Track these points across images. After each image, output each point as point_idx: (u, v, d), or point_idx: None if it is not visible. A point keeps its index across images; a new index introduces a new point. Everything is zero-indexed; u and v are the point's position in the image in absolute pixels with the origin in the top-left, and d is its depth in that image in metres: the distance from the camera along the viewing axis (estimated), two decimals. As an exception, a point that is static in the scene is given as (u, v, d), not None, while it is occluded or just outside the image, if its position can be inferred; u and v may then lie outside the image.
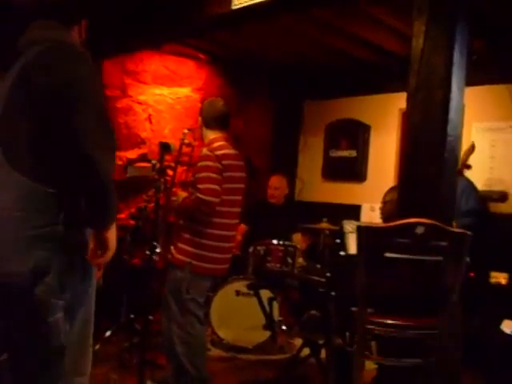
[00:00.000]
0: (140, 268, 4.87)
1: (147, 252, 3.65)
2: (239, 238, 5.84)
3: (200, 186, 3.67)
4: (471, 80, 3.62)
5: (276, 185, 6.04)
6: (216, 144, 3.87)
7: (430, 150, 3.39)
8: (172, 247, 3.83)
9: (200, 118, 4.05)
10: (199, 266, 3.75)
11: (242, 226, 5.94)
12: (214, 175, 3.71)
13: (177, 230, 3.83)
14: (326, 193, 7.22)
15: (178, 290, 3.72)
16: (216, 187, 3.69)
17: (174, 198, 3.77)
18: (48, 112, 2.13)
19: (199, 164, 3.76)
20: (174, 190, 3.61)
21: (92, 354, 4.31)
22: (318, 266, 4.62)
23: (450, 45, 3.33)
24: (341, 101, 7.23)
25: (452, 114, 3.33)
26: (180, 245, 3.77)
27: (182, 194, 3.86)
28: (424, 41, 3.42)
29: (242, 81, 7.28)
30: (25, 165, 2.13)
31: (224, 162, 3.79)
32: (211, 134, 3.95)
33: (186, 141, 3.98)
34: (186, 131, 4.01)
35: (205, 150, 3.81)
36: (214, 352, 4.93)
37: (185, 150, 4.02)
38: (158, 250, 3.00)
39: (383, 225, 2.99)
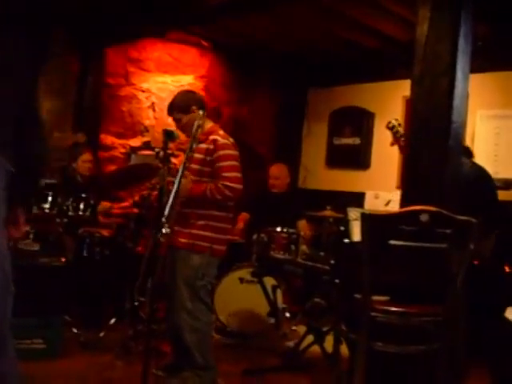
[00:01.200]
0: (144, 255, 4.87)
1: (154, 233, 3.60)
2: (241, 225, 5.85)
3: (227, 175, 3.71)
4: (476, 67, 3.61)
5: (276, 174, 6.02)
6: (222, 132, 3.89)
7: (435, 138, 3.38)
8: (183, 234, 3.81)
9: (183, 116, 3.96)
10: (219, 249, 3.81)
11: (245, 214, 5.94)
12: (236, 163, 3.79)
13: (185, 218, 3.81)
14: (329, 180, 7.21)
15: (192, 277, 3.73)
16: (240, 175, 3.77)
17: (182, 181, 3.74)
18: None
19: (221, 153, 3.76)
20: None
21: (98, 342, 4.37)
22: (322, 253, 4.63)
23: (454, 31, 3.32)
24: (345, 88, 7.21)
25: (457, 101, 3.33)
26: (196, 231, 3.77)
27: (189, 178, 3.82)
28: (428, 28, 3.40)
29: (245, 68, 7.26)
30: None
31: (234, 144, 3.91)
32: (207, 123, 3.92)
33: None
34: (194, 107, 3.93)
35: (220, 139, 3.81)
36: (218, 339, 4.94)
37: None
38: (165, 231, 2.98)
39: (387, 212, 2.99)
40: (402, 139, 4.00)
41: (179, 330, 3.73)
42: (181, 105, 4.02)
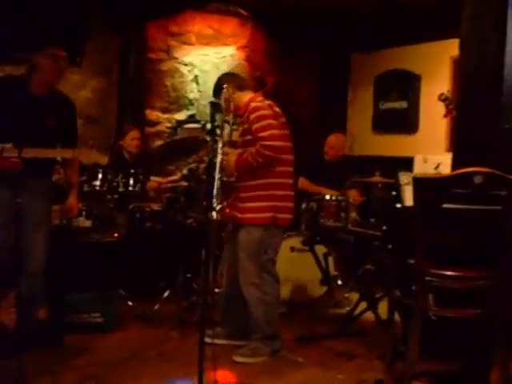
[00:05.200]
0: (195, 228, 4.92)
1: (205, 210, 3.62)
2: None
3: (262, 135, 3.69)
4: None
5: (331, 144, 5.96)
6: (260, 98, 3.91)
7: (486, 97, 3.29)
8: (241, 209, 3.84)
9: (228, 87, 3.91)
10: (283, 217, 3.83)
11: (303, 179, 5.90)
12: (272, 121, 3.76)
13: (241, 191, 3.83)
14: (377, 146, 7.11)
15: (256, 252, 3.76)
16: (277, 132, 3.75)
17: (224, 157, 3.74)
18: None
19: (252, 116, 3.76)
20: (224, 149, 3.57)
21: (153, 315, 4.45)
22: (372, 220, 4.58)
23: (504, -15, 3.20)
24: (389, 51, 7.05)
25: (508, 59, 3.21)
26: (256, 204, 3.79)
27: (234, 152, 3.83)
28: (476, -18, 3.29)
29: (286, 36, 7.16)
30: None
31: (275, 109, 3.89)
32: (245, 96, 3.90)
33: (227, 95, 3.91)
34: (225, 85, 3.92)
35: (253, 104, 3.80)
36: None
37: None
38: (218, 208, 3.02)
39: (440, 175, 2.93)
40: (455, 111, 3.94)
41: (248, 303, 3.77)
42: (214, 91, 4.05)
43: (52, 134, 3.51)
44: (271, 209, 3.78)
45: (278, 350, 3.89)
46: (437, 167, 4.36)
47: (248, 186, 3.82)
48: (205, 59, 6.76)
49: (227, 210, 3.85)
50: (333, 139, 5.99)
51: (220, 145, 3.24)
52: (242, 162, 3.77)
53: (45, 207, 3.70)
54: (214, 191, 3.08)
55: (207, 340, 3.02)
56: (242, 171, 3.79)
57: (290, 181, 3.93)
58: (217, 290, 4.25)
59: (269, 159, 3.73)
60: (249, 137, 3.81)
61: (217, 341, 3.88)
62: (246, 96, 3.92)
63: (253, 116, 3.76)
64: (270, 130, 3.71)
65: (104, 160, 4.26)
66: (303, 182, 5.82)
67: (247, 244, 3.79)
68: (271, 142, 3.69)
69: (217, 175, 3.13)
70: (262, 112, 3.77)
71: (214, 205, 3.05)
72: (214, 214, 3.04)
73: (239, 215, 3.82)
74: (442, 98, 4.03)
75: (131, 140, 5.45)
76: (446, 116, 4.09)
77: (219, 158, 3.20)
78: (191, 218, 4.98)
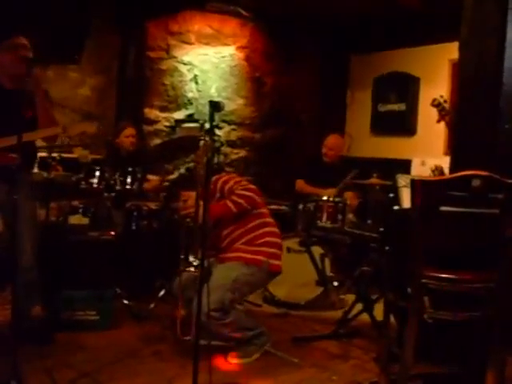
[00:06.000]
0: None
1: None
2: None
3: (238, 185, 3.87)
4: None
5: (330, 145, 5.96)
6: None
7: (484, 101, 3.29)
8: (235, 249, 3.88)
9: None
10: (275, 264, 3.89)
11: (301, 181, 5.90)
12: (240, 178, 4.04)
13: (233, 241, 3.90)
14: (375, 148, 7.13)
15: (225, 286, 3.69)
16: (247, 182, 3.96)
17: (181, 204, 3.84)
18: None
19: (221, 181, 3.95)
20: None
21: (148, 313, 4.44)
22: (369, 221, 4.59)
23: (504, -11, 3.20)
24: (388, 53, 7.08)
25: (507, 62, 3.22)
26: (248, 247, 3.85)
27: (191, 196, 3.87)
28: (476, -14, 3.29)
29: (286, 36, 7.18)
30: None
31: None
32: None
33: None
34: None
35: (222, 179, 3.98)
36: (267, 309, 4.98)
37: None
38: (195, 263, 3.10)
39: (438, 178, 2.93)
40: (448, 116, 3.96)
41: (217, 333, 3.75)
42: None
43: (30, 123, 3.49)
44: (265, 254, 3.83)
45: (266, 341, 3.87)
46: (434, 170, 4.38)
47: (239, 234, 3.89)
48: (204, 59, 6.76)
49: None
50: (331, 141, 6.00)
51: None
52: (220, 207, 3.81)
53: (31, 201, 3.70)
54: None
55: (202, 342, 3.02)
56: (218, 216, 3.82)
57: (277, 230, 4.01)
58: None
59: (249, 200, 3.82)
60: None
61: (212, 342, 3.90)
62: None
63: (222, 180, 3.95)
64: (244, 181, 3.93)
65: (91, 128, 4.19)
66: (300, 184, 5.84)
67: (222, 278, 3.73)
68: (249, 186, 3.87)
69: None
70: (227, 176, 4.03)
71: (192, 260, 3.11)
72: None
73: (230, 255, 3.86)
74: (435, 104, 4.04)
75: (125, 137, 5.42)
76: (438, 121, 4.11)
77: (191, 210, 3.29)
78: (188, 217, 4.96)
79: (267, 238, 3.89)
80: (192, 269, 3.31)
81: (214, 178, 3.91)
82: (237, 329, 3.77)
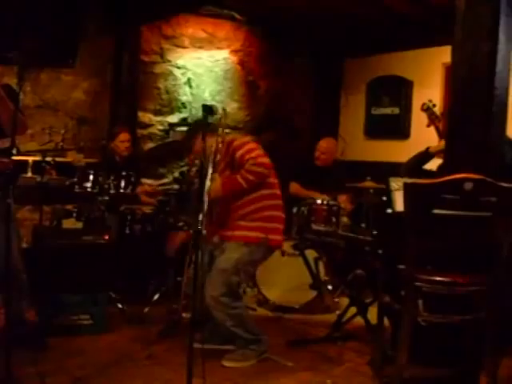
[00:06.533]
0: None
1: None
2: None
3: (250, 155, 3.75)
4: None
5: (323, 150, 5.97)
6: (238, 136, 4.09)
7: (477, 105, 3.30)
8: (232, 227, 3.85)
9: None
10: (274, 239, 3.87)
11: (295, 184, 5.90)
12: (254, 145, 3.86)
13: (229, 212, 3.85)
14: (368, 151, 7.14)
15: (229, 270, 3.76)
16: (262, 152, 3.83)
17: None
18: None
19: (235, 144, 3.83)
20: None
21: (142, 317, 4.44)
22: (363, 225, 4.59)
23: (496, -7, 3.21)
24: (382, 57, 7.09)
25: (499, 66, 3.23)
26: (246, 223, 3.82)
27: (217, 176, 3.80)
28: (468, -10, 3.30)
29: (280, 40, 7.19)
30: None
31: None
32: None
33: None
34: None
35: (237, 141, 3.88)
36: (261, 312, 4.98)
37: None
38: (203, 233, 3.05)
39: (430, 181, 2.94)
40: (438, 120, 3.97)
41: (218, 320, 3.77)
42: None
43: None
44: (263, 229, 3.81)
45: (264, 350, 3.89)
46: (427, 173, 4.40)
47: (239, 205, 3.84)
48: (198, 62, 6.76)
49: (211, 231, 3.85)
50: (324, 144, 6.01)
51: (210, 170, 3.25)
52: (232, 185, 3.78)
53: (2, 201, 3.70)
54: (200, 216, 3.07)
55: (196, 345, 3.02)
56: (229, 192, 3.80)
57: (280, 202, 3.97)
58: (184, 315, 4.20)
59: (260, 176, 3.77)
60: (227, 172, 3.85)
61: (206, 345, 3.90)
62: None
63: (235, 144, 3.84)
64: (256, 151, 3.79)
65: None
66: (294, 187, 5.84)
67: (224, 261, 3.80)
68: (261, 159, 3.75)
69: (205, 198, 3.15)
70: (243, 140, 3.92)
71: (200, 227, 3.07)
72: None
73: (229, 233, 3.84)
74: (424, 108, 4.06)
75: (121, 142, 5.41)
76: (428, 126, 4.12)
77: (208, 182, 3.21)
78: (182, 221, 4.97)
79: (266, 212, 3.85)
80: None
81: (227, 139, 3.81)
82: (239, 325, 3.79)
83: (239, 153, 3.79)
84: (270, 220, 3.86)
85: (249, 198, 3.84)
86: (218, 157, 3.44)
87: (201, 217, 3.03)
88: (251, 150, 3.79)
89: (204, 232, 3.05)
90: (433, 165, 4.11)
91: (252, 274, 4.20)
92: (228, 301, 3.74)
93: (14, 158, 3.66)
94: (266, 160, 3.78)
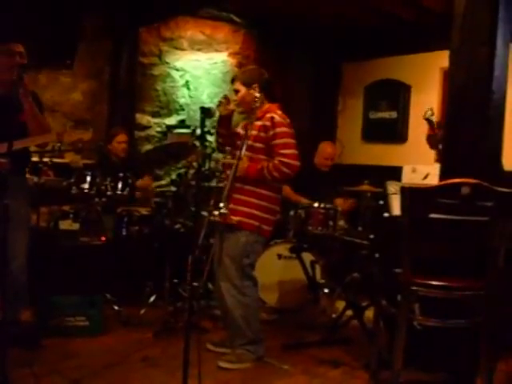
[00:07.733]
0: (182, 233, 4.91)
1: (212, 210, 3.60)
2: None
3: (284, 152, 3.74)
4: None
5: (327, 155, 5.93)
6: (279, 112, 3.91)
7: (474, 109, 3.31)
8: (233, 212, 3.83)
9: (243, 89, 3.92)
10: (266, 229, 3.86)
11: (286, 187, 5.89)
12: (293, 141, 3.82)
13: (236, 195, 3.83)
14: (366, 155, 7.15)
15: (239, 255, 3.79)
16: (296, 152, 3.79)
17: (233, 161, 3.71)
18: None
19: (277, 130, 3.78)
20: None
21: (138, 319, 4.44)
22: (360, 228, 4.59)
23: (494, -1, 3.22)
24: (380, 61, 7.10)
25: (497, 71, 3.24)
26: (247, 209, 3.81)
27: (245, 158, 3.80)
28: (467, -5, 3.31)
29: (278, 44, 7.20)
30: None
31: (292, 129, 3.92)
32: (266, 102, 3.91)
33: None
34: (223, 100, 3.92)
35: (277, 117, 3.82)
36: (257, 315, 4.97)
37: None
38: (223, 211, 3.03)
39: (427, 185, 2.94)
40: (438, 130, 4.01)
41: (228, 307, 3.78)
42: (245, 78, 4.01)
43: (18, 129, 3.47)
44: (258, 218, 3.81)
45: (262, 355, 3.89)
46: (425, 177, 4.40)
47: (243, 191, 3.82)
48: (196, 65, 6.77)
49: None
50: (329, 150, 5.96)
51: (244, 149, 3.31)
52: (255, 172, 3.77)
53: (25, 206, 3.68)
54: (225, 192, 3.11)
55: (209, 347, 3.04)
56: (252, 177, 3.80)
57: (279, 196, 3.97)
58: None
59: (284, 176, 3.77)
60: (260, 145, 3.82)
61: (219, 349, 3.92)
62: (266, 103, 3.92)
63: (278, 130, 3.78)
64: (291, 149, 3.77)
65: (87, 135, 4.10)
66: (286, 190, 5.83)
67: (233, 247, 3.80)
68: (291, 161, 3.73)
69: (231, 176, 3.21)
70: (286, 129, 3.83)
71: (222, 205, 3.08)
72: (216, 213, 3.07)
73: (230, 217, 3.83)
74: (426, 117, 4.08)
75: (118, 143, 5.42)
76: (428, 135, 4.14)
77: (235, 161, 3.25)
78: (179, 223, 4.97)
79: (264, 202, 3.84)
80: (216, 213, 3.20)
81: (264, 108, 3.87)
82: (246, 317, 3.80)
83: (275, 142, 3.77)
84: (265, 210, 3.85)
85: (254, 184, 3.83)
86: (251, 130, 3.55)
87: (225, 193, 3.14)
88: (287, 145, 3.77)
89: (226, 211, 3.09)
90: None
91: (260, 254, 4.15)
92: (241, 284, 3.77)
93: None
94: (295, 163, 3.74)
